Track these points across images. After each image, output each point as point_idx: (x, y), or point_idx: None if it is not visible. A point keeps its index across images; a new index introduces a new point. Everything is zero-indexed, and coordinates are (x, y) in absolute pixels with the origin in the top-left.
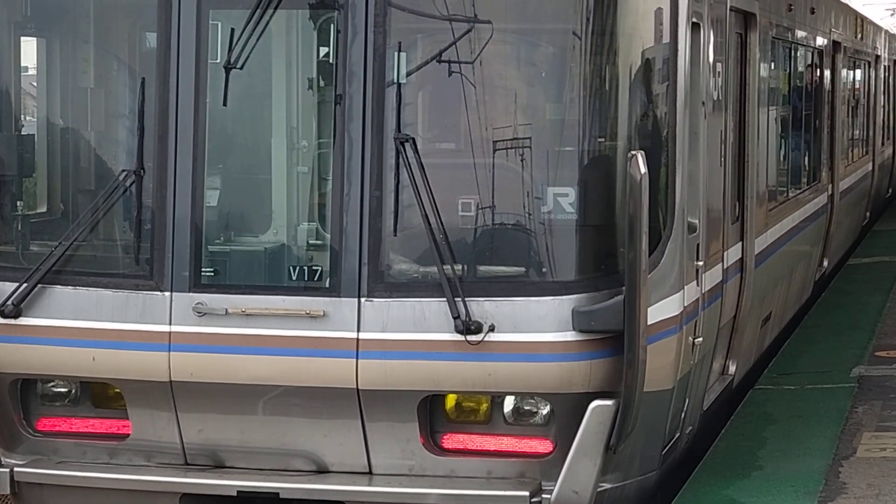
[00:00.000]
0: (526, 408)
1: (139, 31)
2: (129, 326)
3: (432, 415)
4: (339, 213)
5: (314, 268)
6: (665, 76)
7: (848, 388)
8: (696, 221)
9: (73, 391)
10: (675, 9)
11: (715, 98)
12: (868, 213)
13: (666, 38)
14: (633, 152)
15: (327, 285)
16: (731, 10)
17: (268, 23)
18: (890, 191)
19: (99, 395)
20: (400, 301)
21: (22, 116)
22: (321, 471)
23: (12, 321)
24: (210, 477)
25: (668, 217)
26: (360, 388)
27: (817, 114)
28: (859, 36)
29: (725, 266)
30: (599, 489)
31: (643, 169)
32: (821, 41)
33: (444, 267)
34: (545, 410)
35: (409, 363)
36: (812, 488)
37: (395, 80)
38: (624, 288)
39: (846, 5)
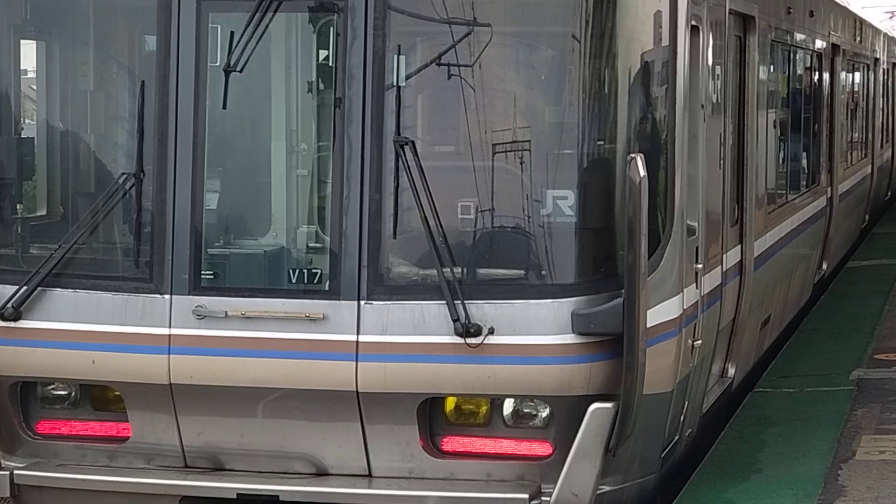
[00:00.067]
0: (525, 410)
1: (139, 34)
2: (129, 329)
3: (432, 417)
4: (339, 215)
5: (314, 270)
6: (664, 79)
7: (847, 390)
8: (696, 224)
9: (73, 394)
10: (675, 12)
11: (714, 101)
12: (867, 216)
13: (665, 42)
14: (633, 155)
15: (327, 288)
16: (730, 13)
17: (267, 26)
18: (889, 193)
19: (99, 397)
20: (399, 304)
21: (21, 119)
22: (321, 473)
23: (12, 324)
24: (210, 479)
25: (668, 220)
26: (359, 390)
27: (816, 117)
28: (858, 39)
29: (724, 269)
30: (599, 491)
31: (642, 172)
32: (820, 44)
33: (444, 269)
34: (545, 413)
35: (408, 366)
36: (811, 491)
37: (395, 83)
38: (623, 290)
39: (845, 8)
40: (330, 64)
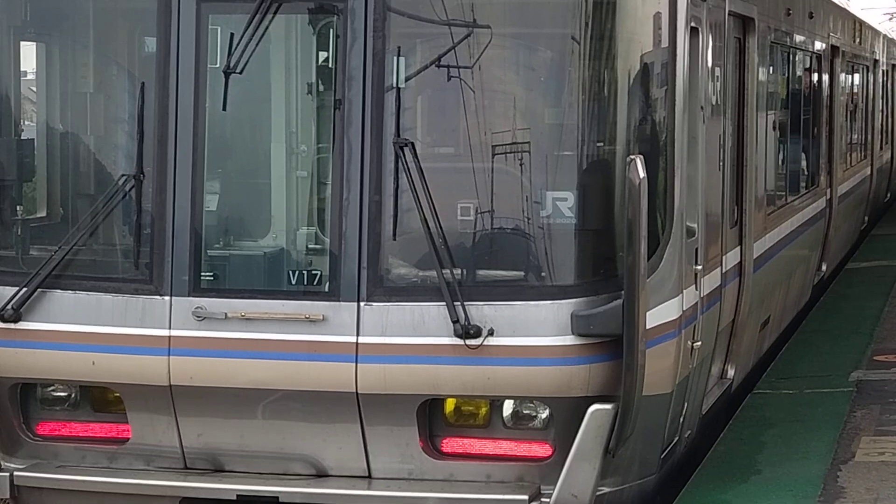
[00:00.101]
0: (525, 412)
1: (139, 35)
2: (129, 331)
3: (431, 419)
4: (339, 217)
5: (313, 272)
6: (664, 81)
7: (846, 392)
8: (695, 225)
9: (73, 395)
10: (674, 13)
11: (713, 102)
12: (866, 218)
13: (665, 43)
14: (632, 157)
15: (327, 289)
16: (729, 14)
17: (267, 27)
18: (888, 195)
19: (98, 399)
20: (399, 305)
21: (21, 121)
22: (320, 475)
23: (12, 325)
24: (209, 481)
25: (667, 221)
26: (359, 391)
27: (816, 118)
28: (857, 40)
29: (724, 270)
30: (598, 493)
31: (642, 173)
32: (819, 45)
33: (444, 271)
34: (544, 414)
35: (408, 367)
36: (810, 493)
37: (395, 85)
38: (623, 292)
39: (844, 10)
40: (330, 65)
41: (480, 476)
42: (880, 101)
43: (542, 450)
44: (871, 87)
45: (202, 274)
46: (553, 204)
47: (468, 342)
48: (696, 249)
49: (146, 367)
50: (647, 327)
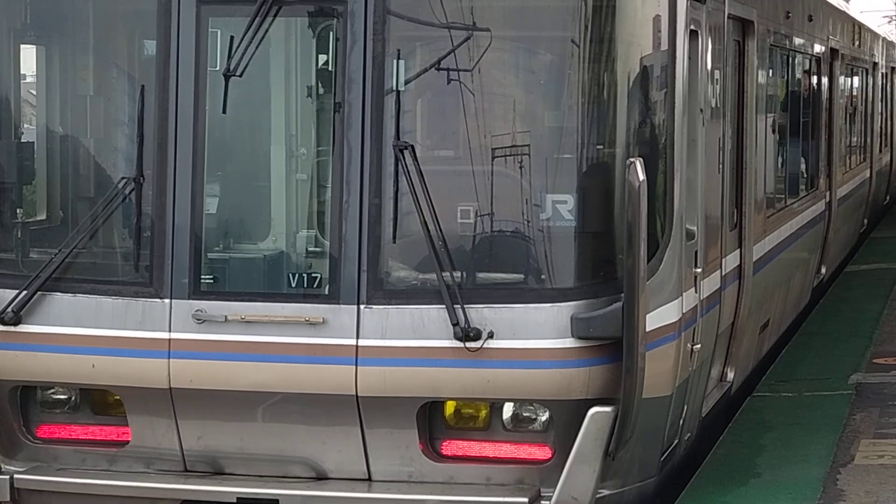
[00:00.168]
0: (525, 414)
1: (139, 38)
2: (129, 333)
3: (431, 421)
4: (339, 220)
5: (313, 275)
6: (663, 83)
7: (846, 395)
8: (695, 228)
9: (73, 398)
10: (674, 16)
11: (713, 105)
12: (866, 220)
13: (664, 46)
14: (632, 159)
15: (326, 292)
16: (729, 17)
17: (267, 30)
18: (888, 198)
19: (98, 402)
20: (399, 308)
21: (21, 124)
22: (320, 477)
23: (12, 328)
24: (209, 483)
25: (667, 224)
26: (359, 394)
27: (815, 121)
28: (857, 43)
29: (723, 273)
30: (598, 495)
31: (642, 176)
32: (818, 48)
33: (443, 274)
34: (544, 417)
35: (408, 370)
36: (810, 495)
37: (395, 88)
38: (623, 295)
39: (844, 13)
40: (329, 68)
41: (480, 478)
42: (879, 103)
43: (542, 452)
44: (870, 89)
45: (202, 277)
46: (553, 207)
47: (468, 345)
48: (696, 252)
49: (146, 369)
50: (647, 330)
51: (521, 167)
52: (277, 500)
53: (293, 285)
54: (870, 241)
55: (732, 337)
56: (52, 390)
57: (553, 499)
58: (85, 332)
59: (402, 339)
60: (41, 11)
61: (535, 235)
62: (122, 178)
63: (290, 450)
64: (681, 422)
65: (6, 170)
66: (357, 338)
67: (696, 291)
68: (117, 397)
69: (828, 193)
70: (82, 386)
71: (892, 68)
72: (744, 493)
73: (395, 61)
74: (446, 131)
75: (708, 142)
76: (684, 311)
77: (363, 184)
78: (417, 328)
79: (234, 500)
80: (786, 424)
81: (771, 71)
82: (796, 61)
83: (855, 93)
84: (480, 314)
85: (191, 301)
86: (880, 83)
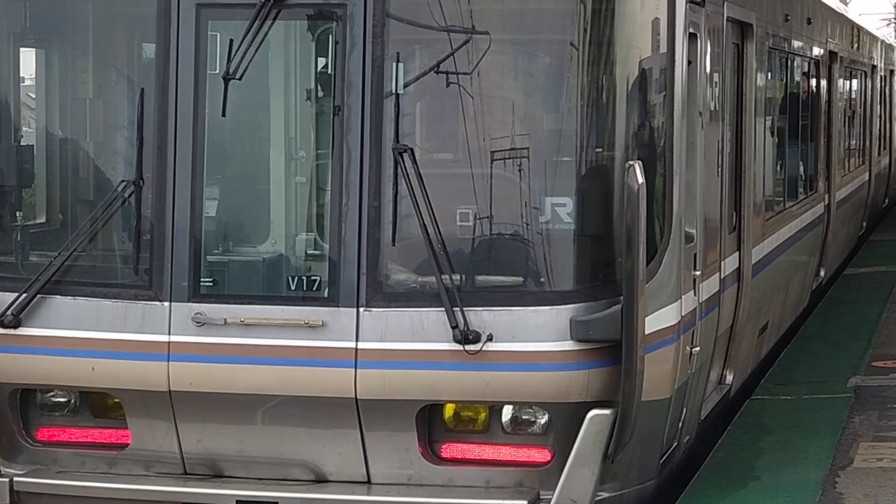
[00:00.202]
0: (524, 417)
1: (138, 41)
2: (129, 336)
3: (431, 424)
4: (338, 223)
5: (313, 278)
6: (662, 86)
7: (844, 398)
8: (694, 231)
9: (73, 401)
10: (673, 19)
11: (712, 108)
12: (865, 223)
13: (663, 49)
14: (631, 162)
15: (326, 295)
16: (727, 20)
17: (266, 33)
18: (886, 200)
19: (98, 404)
20: (398, 311)
21: (20, 127)
22: (320, 480)
23: (12, 331)
24: (209, 486)
25: (666, 227)
26: (358, 397)
27: (814, 124)
28: (855, 46)
29: (722, 276)
30: (597, 498)
31: (641, 179)
32: (817, 51)
33: (443, 277)
34: (543, 419)
35: (407, 373)
36: (808, 499)
37: (394, 91)
38: (622, 297)
39: (843, 15)
40: (329, 71)
41: (479, 481)
42: (878, 106)
43: (541, 455)
44: (869, 92)
45: (201, 280)
46: (552, 209)
47: (467, 348)
48: (695, 255)
49: (146, 372)
50: (646, 333)
51: (520, 170)
52: (277, 503)
53: (292, 288)
54: (869, 244)
55: (731, 340)
56: (51, 393)
57: (552, 501)
58: (84, 335)
59: (401, 341)
60: (41, 14)
61: (534, 238)
62: (122, 181)
63: (289, 452)
64: (680, 424)
65: (6, 173)
66: (356, 340)
67: (695, 294)
68: (117, 400)
69: (827, 196)
70: (82, 389)
71: (891, 71)
72: (742, 495)
73: (394, 64)
74: (445, 134)
75: (707, 144)
76: (683, 314)
77: (362, 187)
78: (417, 331)
79: None
80: (784, 427)
81: (770, 74)
82: (795, 64)
83: (854, 96)
84: (480, 317)
85: (190, 304)
86: (879, 86)
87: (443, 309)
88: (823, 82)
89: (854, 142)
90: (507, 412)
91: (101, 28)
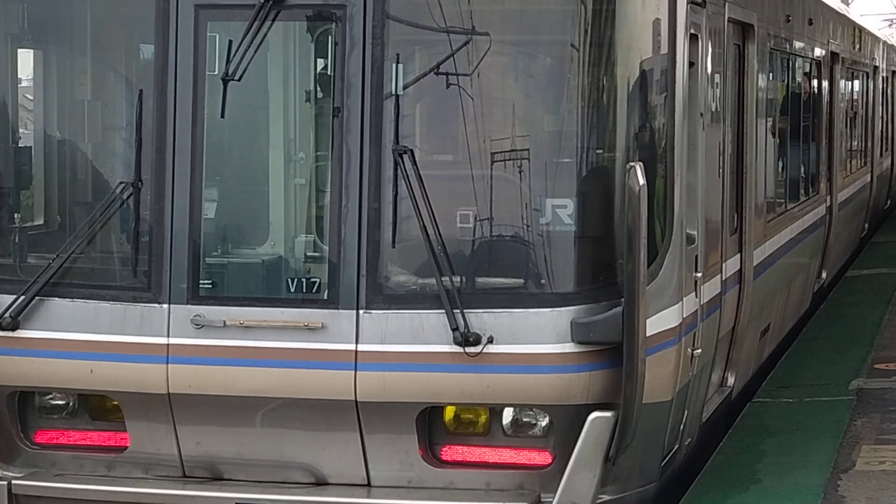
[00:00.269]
0: (525, 419)
1: (137, 42)
2: (127, 339)
3: (431, 427)
4: (338, 224)
5: (312, 280)
6: (663, 87)
7: (846, 400)
8: (695, 233)
9: (71, 403)
10: (674, 20)
11: (713, 109)
12: (867, 225)
13: (664, 50)
14: (632, 164)
15: (325, 297)
16: (729, 21)
17: (266, 34)
18: (889, 202)
19: (97, 407)
20: (398, 313)
21: (17, 128)
22: (320, 483)
23: (10, 333)
24: (208, 489)
25: (667, 228)
26: (358, 399)
27: (815, 125)
28: (857, 47)
29: (724, 277)
30: (598, 501)
31: (642, 180)
32: (819, 52)
33: (443, 278)
34: (544, 422)
35: (407, 375)
36: (810, 502)
37: (394, 92)
38: (623, 299)
39: (844, 16)
40: (328, 72)
41: (480, 484)
42: (880, 107)
43: (542, 457)
44: (870, 93)
45: (200, 282)
46: (552, 211)
47: (467, 350)
48: (696, 257)
49: (144, 375)
50: (647, 335)
51: (520, 171)
52: None
53: (292, 290)
54: (871, 246)
55: (733, 342)
56: (50, 396)
57: None
58: (83, 338)
59: (401, 343)
60: (39, 15)
61: (534, 240)
62: (121, 182)
63: (289, 455)
64: (681, 427)
65: (3, 174)
66: (356, 343)
67: (696, 296)
68: (115, 403)
69: (828, 198)
70: (80, 391)
71: (893, 72)
72: (744, 499)
73: (394, 65)
74: (445, 135)
75: (708, 146)
76: (685, 316)
77: (362, 188)
78: (417, 333)
79: None
80: (786, 430)
81: (771, 74)
82: (796, 65)
83: (855, 96)
84: (480, 319)
85: (189, 306)
86: (881, 87)
87: (443, 311)
88: (825, 83)
89: (856, 143)
90: (507, 414)
91: (99, 29)
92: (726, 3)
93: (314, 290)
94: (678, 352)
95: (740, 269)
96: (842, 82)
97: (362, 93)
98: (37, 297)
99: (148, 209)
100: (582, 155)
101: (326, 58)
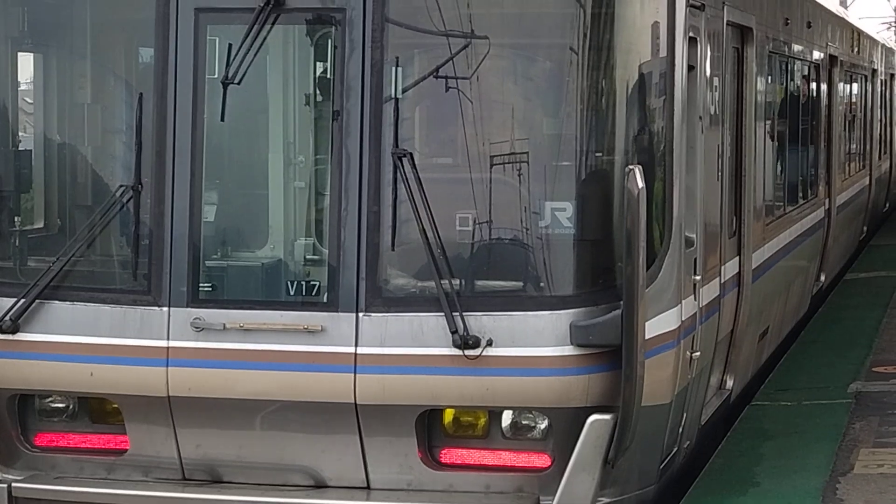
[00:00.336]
0: (524, 422)
1: (137, 46)
2: (127, 342)
3: (430, 429)
4: (337, 227)
5: (312, 283)
6: (662, 90)
7: (845, 403)
8: (694, 236)
9: (71, 406)
10: (672, 23)
11: (712, 112)
12: (865, 228)
13: (663, 53)
14: (631, 167)
15: (325, 300)
16: (727, 24)
17: (265, 38)
18: (887, 205)
19: (97, 410)
20: (398, 316)
21: (18, 132)
22: (319, 486)
23: (10, 336)
24: (208, 492)
25: (666, 231)
26: (357, 402)
27: (814, 128)
28: (856, 50)
29: (723, 280)
30: (597, 503)
31: (641, 183)
32: (817, 55)
33: (442, 281)
34: (543, 425)
35: (406, 378)
36: None
37: (393, 95)
38: (622, 302)
39: (843, 19)
40: (328, 76)
41: (479, 487)
42: (879, 110)
43: (541, 460)
44: (869, 96)
45: (200, 285)
46: (552, 214)
47: (467, 353)
48: (695, 259)
49: (144, 377)
50: (646, 337)
51: (519, 175)
52: None
53: (291, 293)
54: (869, 249)
55: (732, 345)
56: (50, 398)
57: None
58: (83, 341)
59: (400, 346)
60: (39, 19)
61: (533, 243)
62: (120, 185)
63: (288, 458)
64: (680, 430)
65: (3, 178)
66: (356, 346)
67: (695, 299)
68: (115, 405)
69: (827, 201)
70: (80, 394)
71: (892, 75)
72: (742, 501)
73: (393, 69)
74: (445, 139)
75: (707, 149)
76: (683, 319)
77: (362, 191)
78: (416, 336)
79: None
80: (785, 433)
81: (770, 78)
82: (795, 68)
83: (854, 99)
84: (479, 322)
85: (189, 309)
86: (879, 90)
87: (442, 314)
88: (824, 86)
89: (854, 146)
90: (506, 417)
91: (99, 32)
92: (725, 7)
93: (314, 294)
94: (677, 355)
95: (739, 272)
96: (840, 85)
97: (362, 96)
98: (37, 300)
99: (148, 212)
100: (581, 158)
101: (326, 61)
